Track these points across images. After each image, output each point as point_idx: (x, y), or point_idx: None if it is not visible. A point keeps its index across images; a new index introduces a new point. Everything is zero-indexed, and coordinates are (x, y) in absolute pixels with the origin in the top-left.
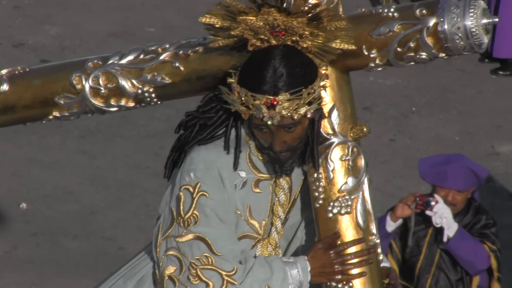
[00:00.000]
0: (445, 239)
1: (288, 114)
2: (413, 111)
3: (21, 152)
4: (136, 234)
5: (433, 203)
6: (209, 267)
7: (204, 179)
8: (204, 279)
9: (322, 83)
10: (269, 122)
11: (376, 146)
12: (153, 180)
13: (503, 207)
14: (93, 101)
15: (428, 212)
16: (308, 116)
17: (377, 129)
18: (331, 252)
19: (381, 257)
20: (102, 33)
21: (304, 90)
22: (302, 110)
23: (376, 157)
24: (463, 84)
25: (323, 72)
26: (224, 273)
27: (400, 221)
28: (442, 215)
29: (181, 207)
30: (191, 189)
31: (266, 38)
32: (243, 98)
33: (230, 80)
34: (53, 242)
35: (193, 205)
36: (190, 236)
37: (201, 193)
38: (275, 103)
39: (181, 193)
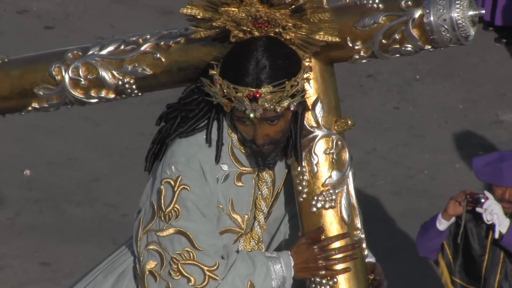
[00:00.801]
0: (496, 235)
1: (271, 107)
2: (417, 78)
3: (25, 118)
4: (139, 201)
5: (483, 200)
6: (190, 262)
7: (185, 172)
8: (185, 274)
9: (305, 75)
10: (251, 115)
11: (380, 113)
12: None
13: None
14: (73, 92)
15: (478, 209)
16: (291, 109)
17: (381, 97)
18: (315, 247)
19: (366, 252)
20: (106, 0)
21: (287, 82)
22: (285, 103)
23: (380, 125)
24: (467, 52)
25: (307, 64)
26: (206, 268)
27: (452, 220)
28: (493, 211)
29: (162, 201)
30: (172, 182)
31: (248, 29)
32: (225, 91)
33: (212, 72)
34: (56, 208)
35: (174, 199)
36: (171, 231)
37: (182, 186)
38: (257, 95)
39: (162, 187)
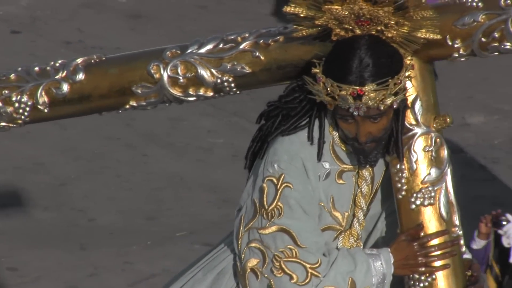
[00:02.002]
0: (511, 260)
1: (375, 104)
2: None
3: None
4: (107, 205)
5: (504, 222)
6: (293, 259)
7: (288, 170)
8: (288, 271)
9: (407, 73)
10: (355, 113)
11: None
12: (124, 151)
13: (473, 178)
14: (171, 90)
15: (499, 231)
16: (394, 106)
17: None
18: (415, 244)
19: (463, 248)
20: (73, 4)
21: (390, 80)
22: (389, 101)
23: None
24: None
25: (408, 62)
26: (308, 265)
27: (491, 237)
28: (511, 235)
29: (265, 199)
30: (275, 180)
31: (350, 27)
32: (328, 89)
33: (315, 70)
34: (23, 213)
35: (277, 197)
36: (273, 228)
37: (285, 184)
38: (361, 93)
39: (264, 185)
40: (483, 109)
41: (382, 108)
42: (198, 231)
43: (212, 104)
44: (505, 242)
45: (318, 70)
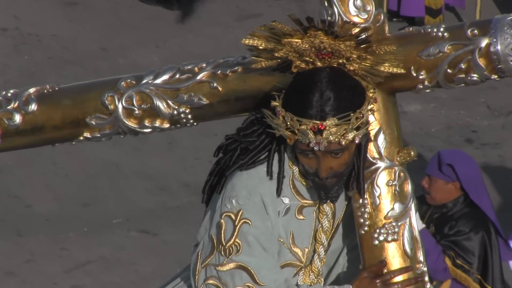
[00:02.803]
0: None
1: (336, 139)
2: None
3: None
4: (43, 193)
5: None
6: None
7: (246, 206)
8: None
9: (370, 107)
10: (315, 148)
11: None
12: None
13: (409, 166)
14: (126, 122)
15: None
16: (356, 141)
17: None
18: (377, 281)
19: (428, 285)
20: None
21: (352, 114)
22: (350, 136)
23: None
24: None
25: (371, 95)
26: None
27: None
28: None
29: (222, 235)
30: (233, 216)
31: (311, 60)
32: (288, 123)
33: (274, 103)
34: None
35: (235, 233)
36: (231, 265)
37: (243, 220)
38: (322, 128)
39: (222, 221)
40: (419, 97)
41: (343, 143)
42: (135, 218)
43: None
44: None
45: (277, 104)
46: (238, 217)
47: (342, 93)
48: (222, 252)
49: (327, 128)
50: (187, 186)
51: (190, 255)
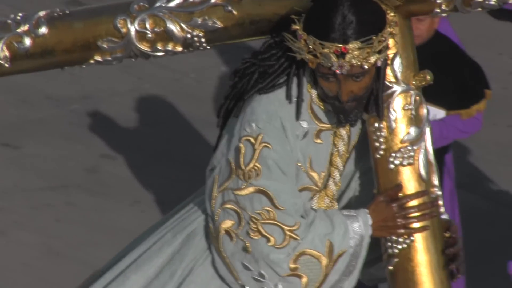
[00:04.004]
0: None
1: (358, 63)
2: None
3: None
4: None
5: None
6: (270, 221)
7: (266, 130)
8: (265, 234)
9: (391, 30)
10: (338, 71)
11: None
12: None
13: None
14: (138, 45)
15: None
16: (378, 64)
17: None
18: (394, 205)
19: (442, 209)
20: None
21: (374, 38)
22: (373, 59)
23: None
24: None
25: (391, 18)
26: (286, 228)
27: None
28: None
29: (241, 159)
30: (252, 140)
31: None
32: (310, 46)
33: (296, 27)
34: None
35: (255, 157)
36: (250, 189)
37: (263, 144)
38: (345, 51)
39: (241, 144)
40: None
41: (366, 66)
42: None
43: None
44: None
45: (299, 27)
46: (258, 141)
47: (364, 17)
48: (241, 176)
49: (350, 51)
50: (49, 98)
51: (64, 169)
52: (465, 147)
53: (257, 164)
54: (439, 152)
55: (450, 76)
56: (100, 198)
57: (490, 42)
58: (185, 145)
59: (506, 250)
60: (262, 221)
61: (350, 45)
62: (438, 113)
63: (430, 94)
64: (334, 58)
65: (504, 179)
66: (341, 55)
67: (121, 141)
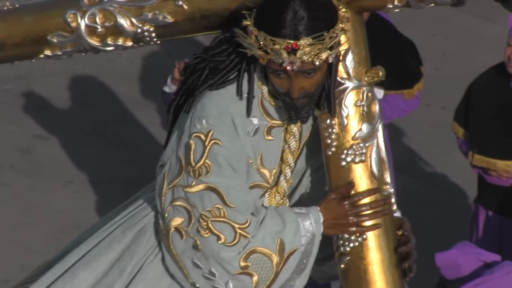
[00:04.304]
0: None
1: (309, 59)
2: None
3: None
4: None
5: None
6: (221, 219)
7: (217, 126)
8: (215, 231)
9: (342, 26)
10: (289, 68)
11: None
12: None
13: None
14: (88, 40)
15: None
16: (330, 61)
17: None
18: (345, 202)
19: (394, 207)
20: None
21: (326, 34)
22: (324, 55)
23: None
24: None
25: (343, 14)
26: (237, 225)
27: None
28: None
29: (192, 156)
30: (202, 137)
31: None
32: (261, 42)
33: (246, 22)
34: None
35: (205, 154)
36: (201, 187)
37: (213, 141)
38: (296, 47)
39: (191, 141)
40: None
41: (317, 63)
42: None
43: None
44: None
45: (249, 23)
46: (209, 137)
47: (315, 12)
48: (191, 173)
49: (301, 47)
50: None
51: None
52: (399, 128)
53: (207, 161)
54: None
55: (389, 56)
56: (33, 178)
57: (424, 23)
58: (117, 125)
59: (440, 232)
60: (212, 219)
61: (301, 41)
62: (378, 93)
63: None
64: (285, 55)
65: (438, 160)
66: (292, 51)
67: (54, 122)
